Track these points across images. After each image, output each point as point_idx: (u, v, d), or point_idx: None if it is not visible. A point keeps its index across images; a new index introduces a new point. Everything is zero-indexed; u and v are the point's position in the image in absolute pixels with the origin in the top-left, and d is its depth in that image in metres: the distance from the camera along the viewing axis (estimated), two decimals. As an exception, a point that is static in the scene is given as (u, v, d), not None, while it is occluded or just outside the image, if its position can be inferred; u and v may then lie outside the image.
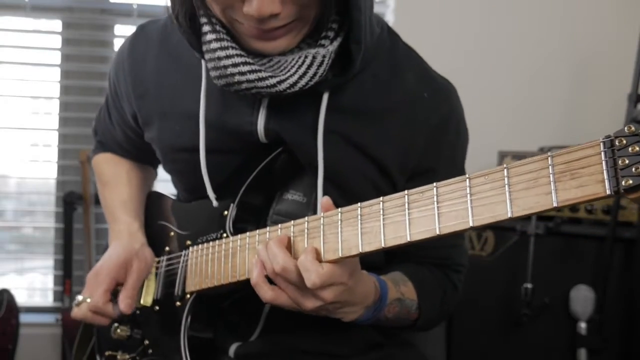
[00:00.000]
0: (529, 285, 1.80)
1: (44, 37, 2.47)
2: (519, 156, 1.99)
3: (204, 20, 0.89)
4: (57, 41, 2.45)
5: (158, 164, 1.24)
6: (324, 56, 0.87)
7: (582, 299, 1.76)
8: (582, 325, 1.76)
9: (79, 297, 1.01)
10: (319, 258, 0.78)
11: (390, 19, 2.37)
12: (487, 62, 2.36)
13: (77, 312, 1.02)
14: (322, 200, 0.81)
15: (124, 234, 1.09)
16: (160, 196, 1.17)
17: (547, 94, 2.38)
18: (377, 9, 2.40)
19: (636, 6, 2.34)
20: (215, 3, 0.85)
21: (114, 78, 1.12)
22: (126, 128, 1.16)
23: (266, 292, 0.82)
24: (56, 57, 2.45)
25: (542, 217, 1.82)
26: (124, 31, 2.49)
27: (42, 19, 2.46)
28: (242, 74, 0.87)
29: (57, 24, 2.46)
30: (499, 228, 1.92)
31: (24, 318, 2.29)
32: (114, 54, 2.42)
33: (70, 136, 2.43)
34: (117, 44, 2.47)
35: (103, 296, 1.01)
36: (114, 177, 1.20)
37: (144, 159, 1.22)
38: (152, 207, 1.17)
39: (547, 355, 1.86)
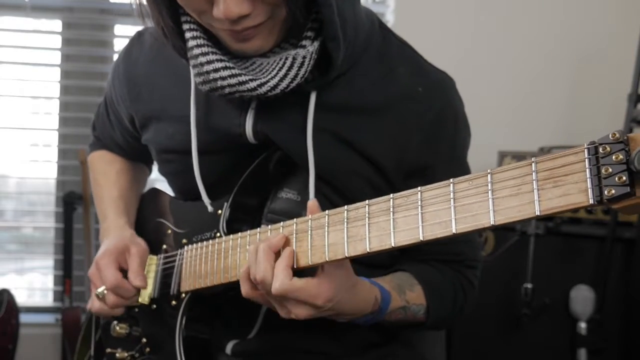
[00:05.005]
0: (529, 285, 1.80)
1: (44, 37, 2.47)
2: (519, 156, 1.99)
3: (186, 27, 0.90)
4: (57, 41, 2.45)
5: (152, 163, 1.27)
6: (304, 57, 0.86)
7: (582, 299, 1.76)
8: (582, 325, 1.76)
9: (99, 290, 1.01)
10: (291, 264, 0.77)
11: (390, 19, 2.37)
12: (487, 61, 2.36)
13: (103, 305, 1.02)
14: (309, 203, 0.80)
15: (112, 229, 1.11)
16: (159, 193, 1.17)
17: (547, 94, 2.38)
18: (377, 9, 2.42)
19: (636, 6, 2.34)
20: (190, 10, 0.86)
21: (111, 83, 1.15)
22: (124, 131, 1.18)
23: (246, 289, 0.83)
24: (56, 57, 2.45)
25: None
26: (124, 31, 2.49)
27: (42, 19, 2.46)
28: (223, 78, 0.87)
29: (57, 24, 2.46)
30: (499, 228, 1.92)
31: (24, 318, 2.29)
32: (114, 54, 2.46)
33: (70, 136, 2.43)
34: (117, 44, 2.47)
35: (116, 274, 1.01)
36: (105, 175, 1.22)
37: (138, 158, 1.24)
38: (150, 204, 1.18)
39: (547, 355, 1.86)
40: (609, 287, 1.75)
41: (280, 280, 0.76)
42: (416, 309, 0.96)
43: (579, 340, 1.76)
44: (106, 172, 1.22)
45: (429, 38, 2.29)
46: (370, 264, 0.98)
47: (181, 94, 1.00)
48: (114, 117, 1.19)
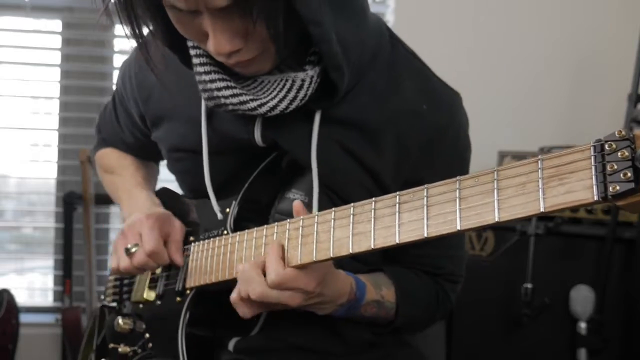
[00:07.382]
0: (529, 285, 1.79)
1: (44, 37, 2.48)
2: (519, 156, 1.99)
3: (189, 44, 0.92)
4: (57, 41, 2.46)
5: (160, 160, 1.28)
6: (303, 80, 0.88)
7: (582, 299, 1.76)
8: (582, 325, 1.76)
9: (129, 246, 0.98)
10: (282, 256, 0.81)
11: (390, 19, 2.37)
12: (487, 62, 2.36)
13: (130, 262, 0.98)
14: (294, 204, 0.83)
15: (149, 202, 1.09)
16: (167, 192, 1.18)
17: (547, 94, 2.38)
18: (377, 9, 2.42)
19: (636, 6, 2.34)
20: (190, 39, 0.87)
21: (121, 83, 1.16)
22: (135, 130, 1.19)
23: (244, 311, 0.86)
24: (56, 57, 2.46)
25: (542, 216, 1.82)
26: (124, 31, 2.49)
27: (42, 19, 2.46)
28: (225, 97, 0.89)
29: (57, 24, 2.46)
30: (499, 228, 1.92)
31: (24, 318, 2.29)
32: (114, 54, 2.46)
33: (70, 136, 2.43)
34: (117, 43, 2.47)
35: (160, 240, 0.99)
36: (122, 166, 1.23)
37: (147, 156, 1.25)
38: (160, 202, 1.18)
39: (547, 355, 1.86)
40: (609, 287, 1.75)
41: (274, 270, 0.79)
42: (390, 305, 0.98)
43: (579, 340, 1.76)
44: (122, 164, 1.23)
45: (429, 38, 2.30)
46: (362, 263, 1.01)
47: (192, 95, 1.01)
48: (123, 114, 1.19)
